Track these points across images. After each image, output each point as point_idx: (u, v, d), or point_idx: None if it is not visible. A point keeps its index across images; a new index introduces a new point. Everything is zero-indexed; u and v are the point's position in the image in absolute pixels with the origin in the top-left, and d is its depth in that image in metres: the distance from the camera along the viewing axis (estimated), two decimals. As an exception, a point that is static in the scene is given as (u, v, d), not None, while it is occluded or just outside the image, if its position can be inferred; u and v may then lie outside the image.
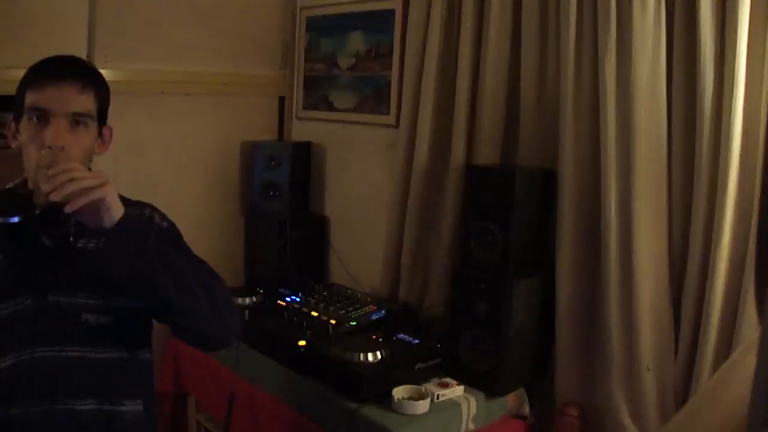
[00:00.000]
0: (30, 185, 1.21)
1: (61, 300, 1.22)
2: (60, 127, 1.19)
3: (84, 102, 1.22)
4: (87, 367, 1.24)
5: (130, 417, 1.29)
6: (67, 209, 1.07)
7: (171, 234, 1.39)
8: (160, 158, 2.52)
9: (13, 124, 1.26)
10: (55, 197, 1.06)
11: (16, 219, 1.13)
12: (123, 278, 1.15)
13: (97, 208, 1.10)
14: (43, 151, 1.15)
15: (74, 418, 1.22)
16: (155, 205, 1.41)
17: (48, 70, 1.22)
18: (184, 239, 1.39)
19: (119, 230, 1.13)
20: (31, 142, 1.19)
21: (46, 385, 1.21)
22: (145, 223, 1.35)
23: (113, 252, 1.14)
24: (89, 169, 1.23)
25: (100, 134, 1.30)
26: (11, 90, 1.25)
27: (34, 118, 1.19)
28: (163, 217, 1.41)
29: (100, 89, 1.27)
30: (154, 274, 1.15)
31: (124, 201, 1.36)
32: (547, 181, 1.98)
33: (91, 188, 1.09)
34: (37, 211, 1.10)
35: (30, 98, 1.20)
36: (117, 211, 1.13)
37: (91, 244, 1.26)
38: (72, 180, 1.08)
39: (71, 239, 1.20)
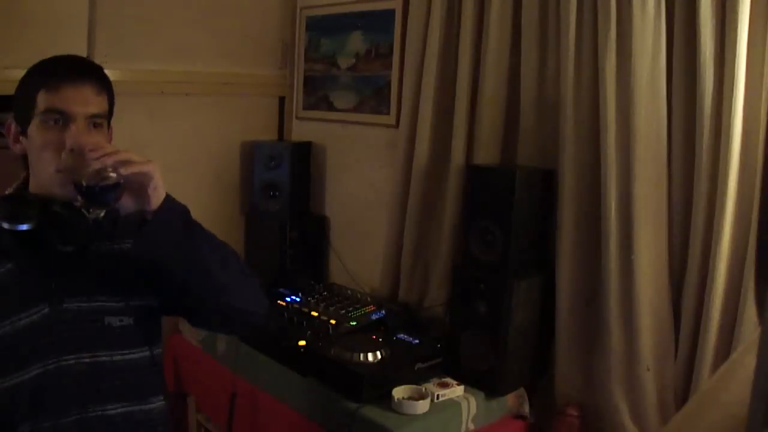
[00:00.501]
0: (33, 188, 1.19)
1: (81, 306, 1.20)
2: (81, 129, 1.16)
3: (101, 103, 1.20)
4: (115, 371, 1.22)
5: (156, 414, 1.28)
6: (123, 171, 1.07)
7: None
8: (160, 158, 2.47)
9: (14, 126, 1.22)
10: (107, 160, 1.06)
11: (25, 226, 1.11)
12: (170, 258, 1.14)
13: (144, 185, 1.11)
14: (64, 155, 1.12)
15: (106, 423, 1.20)
16: None
17: (64, 70, 1.18)
18: None
19: (167, 209, 1.13)
20: (47, 146, 1.15)
21: (76, 394, 1.18)
22: None
23: (161, 232, 1.13)
24: None
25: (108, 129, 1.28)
26: (11, 90, 1.24)
27: (51, 121, 1.15)
28: None
29: (111, 91, 1.25)
30: (200, 250, 1.17)
31: None
32: (547, 181, 1.98)
33: (141, 162, 1.10)
34: (84, 184, 1.07)
35: (45, 100, 1.15)
36: (163, 190, 1.14)
37: (103, 247, 1.25)
38: (119, 152, 1.08)
39: (89, 229, 1.16)
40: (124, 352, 1.23)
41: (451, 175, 2.19)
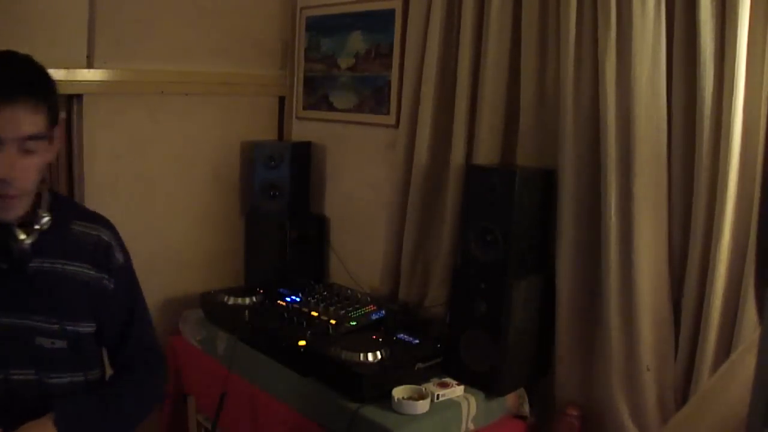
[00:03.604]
0: None
1: (13, 322, 1.17)
2: (13, 156, 1.08)
3: (37, 122, 1.10)
4: (40, 391, 1.20)
5: None
6: None
7: (126, 274, 1.35)
8: (160, 158, 2.52)
9: None
10: None
11: None
12: None
13: None
14: None
15: None
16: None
17: None
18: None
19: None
20: None
21: (5, 410, 1.15)
22: (101, 254, 1.30)
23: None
24: (43, 179, 1.19)
25: (50, 137, 1.17)
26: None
27: None
28: (121, 246, 1.35)
29: (51, 98, 1.15)
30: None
31: (83, 214, 1.32)
32: (547, 181, 1.98)
33: None
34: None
35: None
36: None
37: (46, 265, 1.21)
38: None
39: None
40: (55, 375, 1.21)
41: (451, 175, 2.19)
